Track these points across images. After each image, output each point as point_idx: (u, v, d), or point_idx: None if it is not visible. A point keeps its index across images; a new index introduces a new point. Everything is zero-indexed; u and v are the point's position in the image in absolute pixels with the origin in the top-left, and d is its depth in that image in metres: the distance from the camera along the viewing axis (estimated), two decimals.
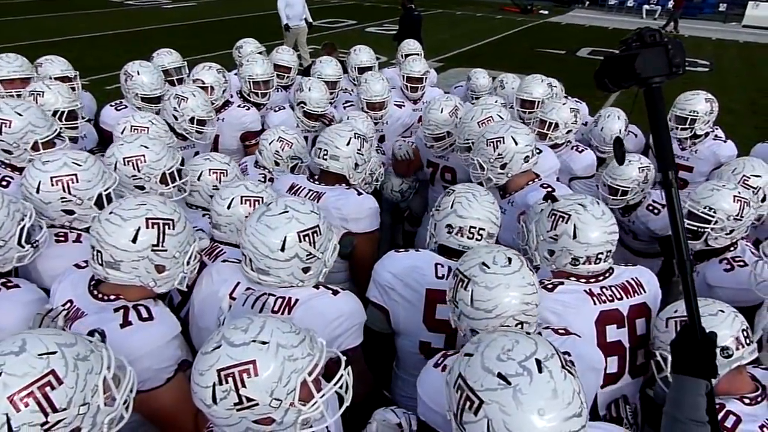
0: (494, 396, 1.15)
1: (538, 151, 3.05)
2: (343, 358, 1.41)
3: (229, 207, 2.35)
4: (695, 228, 2.63)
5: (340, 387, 1.40)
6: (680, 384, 1.42)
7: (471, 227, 2.21)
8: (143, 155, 2.62)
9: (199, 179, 2.82)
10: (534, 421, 1.12)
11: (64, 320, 1.74)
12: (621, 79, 1.46)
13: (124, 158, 2.60)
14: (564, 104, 3.71)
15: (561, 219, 2.05)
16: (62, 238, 2.26)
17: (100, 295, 1.82)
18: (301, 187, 2.85)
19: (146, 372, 1.66)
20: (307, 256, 1.89)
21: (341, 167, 2.84)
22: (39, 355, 1.18)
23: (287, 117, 4.12)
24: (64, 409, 1.18)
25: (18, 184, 2.49)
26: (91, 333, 1.42)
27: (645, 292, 2.14)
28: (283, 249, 1.84)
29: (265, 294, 1.91)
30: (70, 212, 2.27)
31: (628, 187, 3.24)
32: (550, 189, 2.72)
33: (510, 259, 1.68)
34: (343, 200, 2.73)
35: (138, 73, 3.87)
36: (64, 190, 2.22)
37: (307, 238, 1.88)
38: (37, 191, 2.20)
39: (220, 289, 1.98)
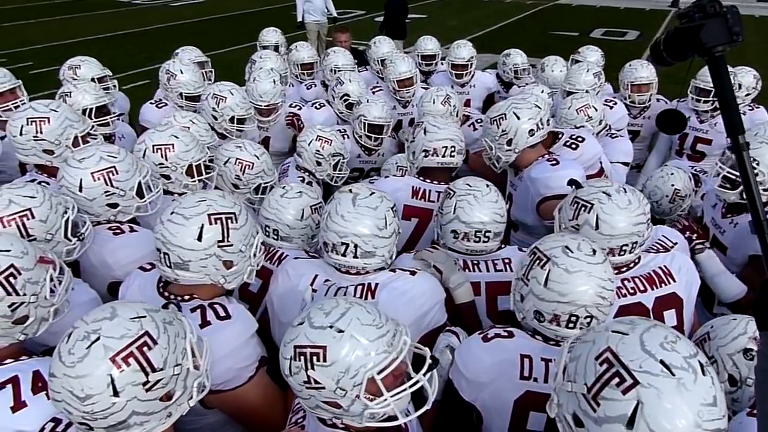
0: (654, 381, 1.08)
1: (580, 138, 3.01)
2: (428, 362, 1.36)
3: (301, 218, 2.37)
4: (733, 177, 2.56)
5: (422, 388, 1.36)
6: None
7: (476, 231, 2.18)
8: (172, 144, 2.66)
9: (225, 165, 2.85)
10: (692, 421, 1.06)
11: None
12: (684, 50, 1.48)
13: (153, 145, 2.65)
14: (569, 107, 3.54)
15: (583, 208, 1.95)
16: (118, 231, 2.29)
17: (172, 297, 1.79)
18: (425, 189, 2.79)
19: (229, 372, 1.65)
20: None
21: (461, 161, 2.87)
22: (131, 318, 1.24)
23: (330, 114, 4.19)
24: (161, 369, 1.23)
25: (56, 188, 2.49)
26: (165, 306, 1.46)
27: (675, 281, 2.03)
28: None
29: (344, 286, 1.94)
30: (114, 205, 2.30)
31: (672, 217, 3.24)
32: (554, 162, 2.69)
33: (594, 251, 1.63)
34: None
35: (181, 72, 3.92)
36: (106, 184, 2.26)
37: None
38: (80, 189, 2.23)
39: (299, 282, 2.00)
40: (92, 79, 3.92)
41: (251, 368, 1.72)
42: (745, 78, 3.98)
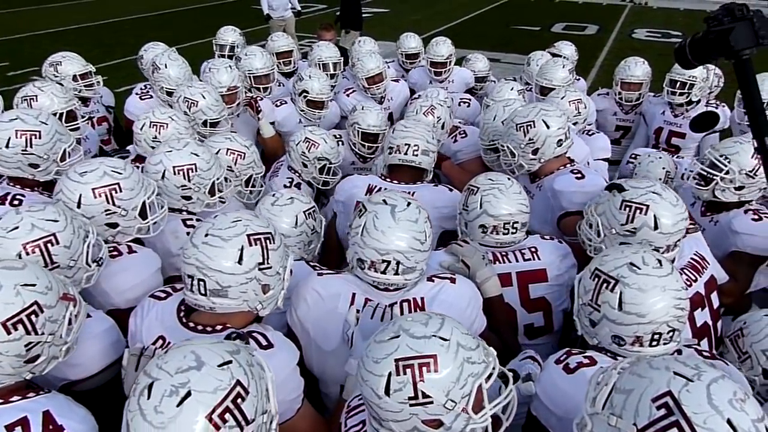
0: None
1: None
2: (510, 375, 1.32)
3: (296, 225, 2.29)
4: (705, 173, 2.66)
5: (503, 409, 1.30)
6: None
7: (505, 224, 2.20)
8: (194, 164, 2.48)
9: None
10: None
11: None
12: (711, 53, 1.51)
13: (174, 167, 2.46)
14: (563, 97, 3.60)
15: (638, 210, 1.95)
16: (116, 253, 2.13)
17: (200, 327, 1.65)
18: (381, 187, 2.74)
19: (280, 405, 1.53)
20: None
21: (430, 162, 2.81)
22: (219, 366, 1.13)
23: (290, 112, 4.08)
24: (254, 420, 1.14)
25: (30, 201, 2.36)
26: (228, 337, 1.37)
27: (709, 263, 2.11)
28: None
29: (388, 305, 1.86)
30: (114, 225, 2.15)
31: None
32: (579, 176, 2.66)
33: (660, 261, 1.59)
34: (440, 197, 2.66)
35: (165, 66, 3.79)
36: (107, 202, 2.10)
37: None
38: (78, 206, 2.07)
39: (337, 305, 1.87)
40: (74, 77, 3.81)
41: (299, 399, 1.63)
42: (696, 70, 3.98)
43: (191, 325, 1.67)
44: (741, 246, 2.54)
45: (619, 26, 15.53)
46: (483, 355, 1.25)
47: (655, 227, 1.94)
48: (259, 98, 3.95)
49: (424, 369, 1.17)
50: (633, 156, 3.73)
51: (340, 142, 3.72)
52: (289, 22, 9.53)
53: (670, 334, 1.57)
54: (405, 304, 1.86)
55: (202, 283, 1.60)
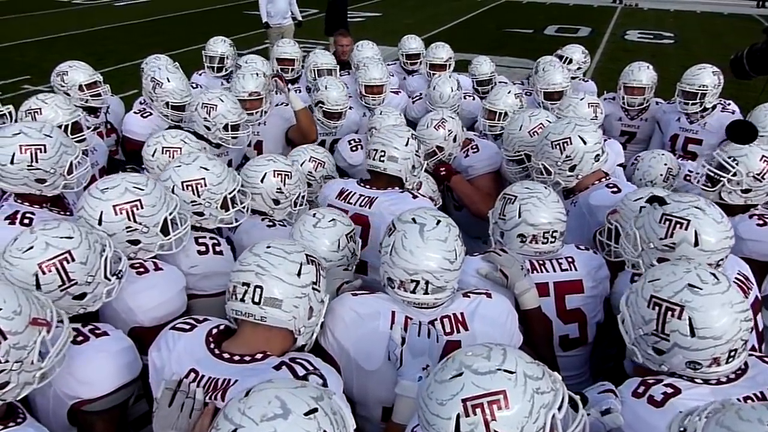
0: None
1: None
2: (577, 398, 1.23)
3: (338, 249, 2.22)
4: (712, 174, 2.63)
5: None
6: None
7: (545, 233, 2.17)
8: (203, 179, 2.41)
9: (262, 182, 2.68)
10: None
11: (203, 394, 1.48)
12: None
13: (183, 182, 2.39)
14: (582, 99, 3.57)
15: (678, 225, 1.88)
16: (142, 270, 2.07)
17: (237, 357, 1.56)
18: (351, 191, 2.73)
19: None
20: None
21: (399, 169, 2.74)
22: (305, 414, 1.06)
23: None
24: None
25: (40, 219, 2.29)
26: (305, 377, 1.32)
27: (753, 284, 2.04)
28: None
29: (431, 321, 1.81)
30: (136, 242, 2.10)
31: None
32: (615, 189, 2.61)
33: (715, 275, 1.53)
34: (399, 204, 2.58)
35: (168, 80, 3.74)
36: (129, 219, 2.05)
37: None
38: (100, 223, 2.03)
39: (377, 324, 1.82)
40: (80, 87, 3.73)
41: None
42: (707, 78, 3.96)
43: (225, 355, 1.59)
44: (747, 252, 2.48)
45: (611, 28, 15.61)
46: (550, 383, 1.17)
47: (696, 244, 1.86)
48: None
49: (495, 407, 1.10)
50: (636, 158, 3.68)
51: (359, 146, 3.68)
52: (288, 30, 9.30)
53: (743, 346, 1.53)
54: (446, 320, 1.83)
55: (258, 290, 1.58)
